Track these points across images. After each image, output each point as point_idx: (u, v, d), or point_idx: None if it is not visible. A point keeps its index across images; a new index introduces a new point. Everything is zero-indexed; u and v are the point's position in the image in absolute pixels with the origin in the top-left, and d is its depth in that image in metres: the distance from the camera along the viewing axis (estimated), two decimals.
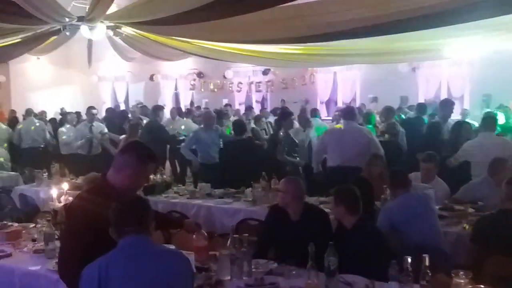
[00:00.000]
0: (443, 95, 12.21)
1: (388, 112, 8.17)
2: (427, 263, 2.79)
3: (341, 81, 13.90)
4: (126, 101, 16.82)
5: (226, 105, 13.34)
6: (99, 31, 8.10)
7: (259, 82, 15.09)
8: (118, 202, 2.45)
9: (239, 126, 7.56)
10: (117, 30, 8.61)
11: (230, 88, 15.40)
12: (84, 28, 7.94)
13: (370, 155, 5.80)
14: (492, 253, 3.51)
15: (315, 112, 10.23)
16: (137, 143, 3.19)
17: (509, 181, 3.86)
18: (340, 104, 13.38)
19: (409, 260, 2.77)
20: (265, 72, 14.74)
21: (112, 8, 7.23)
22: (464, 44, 8.27)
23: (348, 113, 6.73)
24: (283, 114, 7.99)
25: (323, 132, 7.05)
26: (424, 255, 2.80)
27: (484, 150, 5.50)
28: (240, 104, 14.86)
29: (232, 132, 8.08)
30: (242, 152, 6.99)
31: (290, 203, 3.82)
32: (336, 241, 3.03)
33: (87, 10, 7.34)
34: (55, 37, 9.02)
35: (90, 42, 9.89)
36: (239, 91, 15.36)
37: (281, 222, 3.82)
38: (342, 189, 3.81)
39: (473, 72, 11.55)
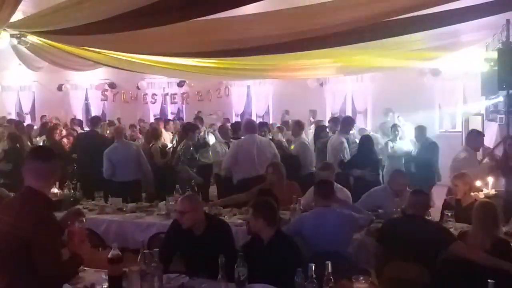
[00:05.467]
0: (348, 109, 12.98)
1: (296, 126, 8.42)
2: (330, 269, 2.97)
3: (255, 94, 14.24)
4: (32, 112, 15.96)
5: (157, 118, 12.98)
6: (3, 40, 7.70)
7: (174, 94, 15.00)
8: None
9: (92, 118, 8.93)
10: (22, 38, 8.20)
11: (144, 100, 15.18)
12: None
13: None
14: (393, 256, 3.79)
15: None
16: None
17: (414, 192, 4.26)
18: (254, 117, 13.67)
19: (313, 267, 2.93)
20: (180, 84, 14.68)
21: (17, 16, 6.88)
22: (368, 61, 8.89)
23: (249, 126, 6.86)
24: (193, 126, 7.87)
25: (231, 146, 7.03)
26: (326, 262, 2.98)
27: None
28: (155, 116, 14.64)
29: None
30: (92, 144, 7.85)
31: (191, 221, 3.74)
32: (252, 253, 3.09)
33: None
34: None
35: None
36: (153, 103, 15.16)
37: (185, 236, 3.76)
38: (260, 202, 3.83)
39: (375, 87, 12.37)
